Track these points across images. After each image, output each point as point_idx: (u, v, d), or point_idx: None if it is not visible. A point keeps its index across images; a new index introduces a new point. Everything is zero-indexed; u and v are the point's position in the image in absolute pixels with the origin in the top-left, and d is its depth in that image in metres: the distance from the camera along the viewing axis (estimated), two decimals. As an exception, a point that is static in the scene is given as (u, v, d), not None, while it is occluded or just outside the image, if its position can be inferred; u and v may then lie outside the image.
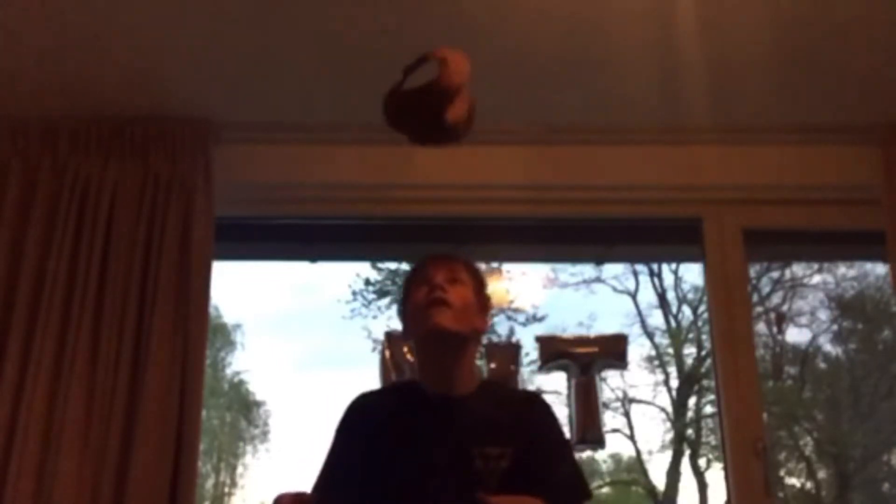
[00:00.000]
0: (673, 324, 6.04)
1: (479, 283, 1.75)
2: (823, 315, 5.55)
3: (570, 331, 4.55)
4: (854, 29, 2.26)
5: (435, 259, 1.73)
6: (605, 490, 6.13)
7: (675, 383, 5.93)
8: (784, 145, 2.69)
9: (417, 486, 1.55)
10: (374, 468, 1.60)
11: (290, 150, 2.67)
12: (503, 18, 2.23)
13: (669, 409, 5.90)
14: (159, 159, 2.53)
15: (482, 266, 3.58)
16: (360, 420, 1.70)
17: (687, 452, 5.81)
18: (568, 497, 1.61)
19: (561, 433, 1.71)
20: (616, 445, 5.86)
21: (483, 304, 1.73)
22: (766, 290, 5.46)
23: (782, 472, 5.50)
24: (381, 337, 2.84)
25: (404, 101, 1.68)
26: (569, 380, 2.82)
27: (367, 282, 5.90)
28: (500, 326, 4.98)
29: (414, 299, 1.66)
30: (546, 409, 1.74)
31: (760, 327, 5.26)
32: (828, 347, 5.69)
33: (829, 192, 2.66)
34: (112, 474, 2.22)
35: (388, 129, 2.68)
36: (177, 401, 2.30)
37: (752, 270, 4.62)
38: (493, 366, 2.75)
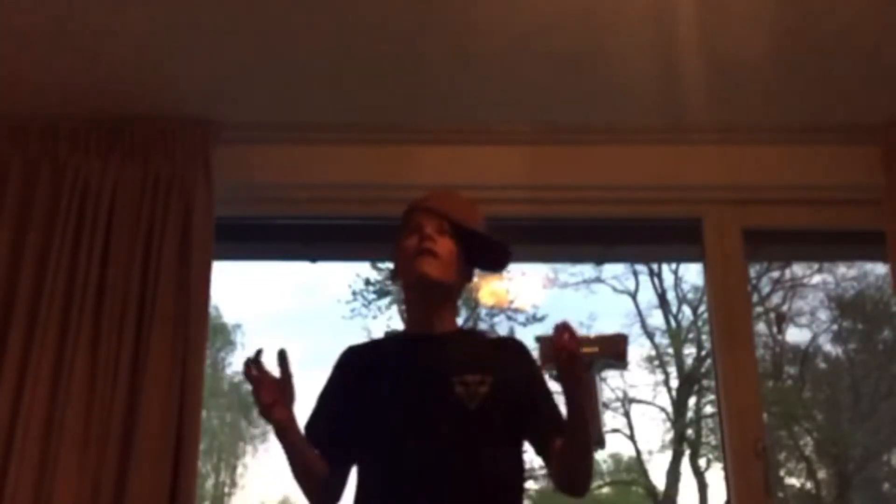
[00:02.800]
0: (673, 324, 6.04)
1: (464, 210, 1.83)
2: (823, 315, 5.55)
3: (571, 331, 4.53)
4: (854, 29, 2.26)
5: (427, 208, 1.81)
6: (605, 490, 6.13)
7: (675, 383, 5.92)
8: (784, 145, 2.69)
9: (402, 415, 1.66)
10: (362, 405, 1.71)
11: (290, 150, 2.67)
12: (503, 18, 2.23)
13: (669, 409, 5.89)
14: (159, 159, 2.53)
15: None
16: (348, 365, 1.82)
17: (687, 452, 5.81)
18: (560, 426, 1.71)
19: (540, 369, 1.79)
20: (616, 445, 5.86)
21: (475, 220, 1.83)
22: (766, 290, 5.46)
23: (782, 472, 5.49)
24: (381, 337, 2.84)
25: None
26: (569, 380, 2.81)
27: (367, 282, 5.90)
28: (500, 326, 4.98)
29: (404, 246, 1.77)
30: (523, 346, 1.85)
31: (760, 327, 5.26)
32: (828, 347, 5.68)
33: (829, 192, 2.66)
34: (112, 474, 2.22)
35: (387, 130, 2.70)
36: (177, 401, 2.30)
37: (752, 270, 4.62)
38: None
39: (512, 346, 1.87)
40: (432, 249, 1.72)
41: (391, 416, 1.68)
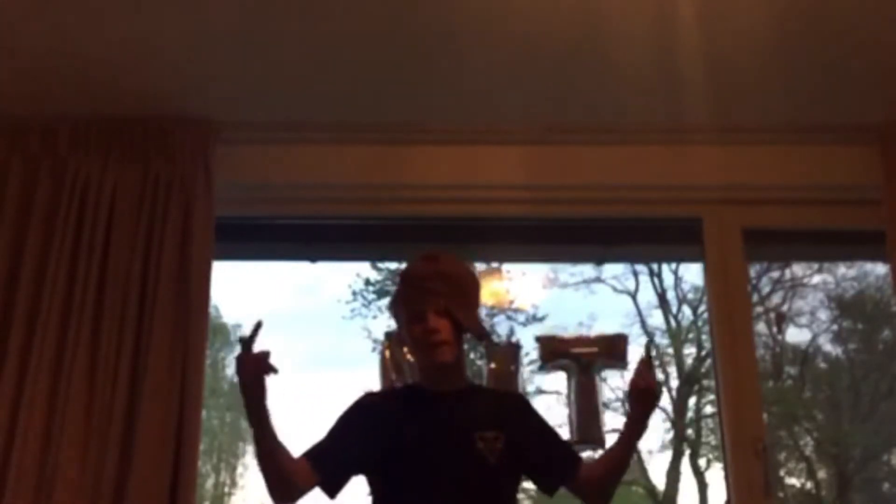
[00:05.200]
0: (673, 324, 6.03)
1: (460, 295, 1.90)
2: (823, 315, 5.54)
3: (570, 331, 4.54)
4: (854, 29, 2.26)
5: (424, 292, 1.87)
6: (605, 490, 6.13)
7: (675, 383, 5.92)
8: (784, 145, 2.69)
9: (428, 467, 1.76)
10: (384, 453, 1.78)
11: (290, 150, 2.67)
12: (503, 18, 2.23)
13: (669, 409, 5.89)
14: (159, 159, 2.53)
15: (482, 266, 3.59)
16: (368, 411, 1.89)
17: (687, 452, 5.81)
18: (577, 462, 1.93)
19: (541, 418, 1.98)
20: (616, 445, 5.85)
21: (470, 303, 1.93)
22: (766, 290, 5.46)
23: (782, 472, 5.49)
24: (381, 337, 2.84)
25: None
26: (569, 380, 2.81)
27: (367, 282, 5.90)
28: (500, 326, 4.97)
29: (413, 332, 1.87)
30: (527, 402, 2.06)
31: (760, 327, 5.25)
32: (828, 347, 5.68)
33: (829, 192, 2.66)
34: (112, 474, 2.22)
35: (387, 130, 2.70)
36: (177, 401, 2.30)
37: (752, 270, 4.61)
38: (493, 366, 2.74)
39: (515, 400, 2.10)
40: (443, 340, 1.83)
41: (417, 468, 1.77)
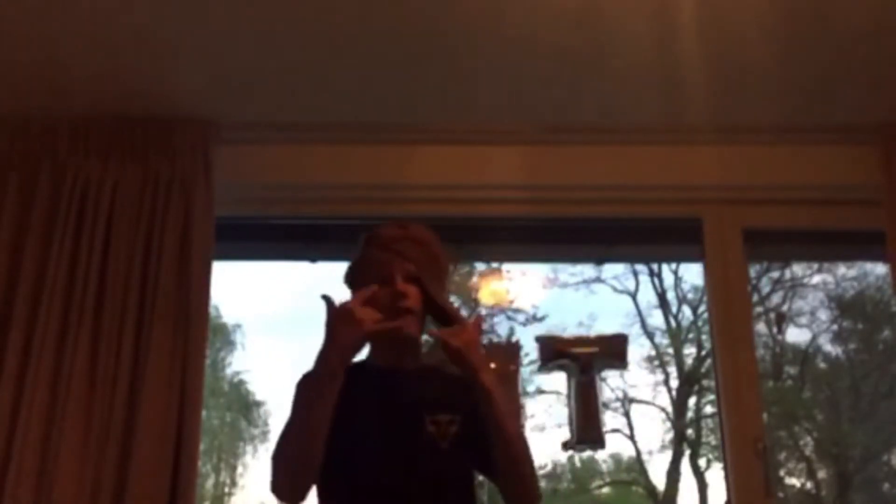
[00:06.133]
0: (673, 324, 6.04)
1: (431, 265, 1.80)
2: (823, 315, 5.55)
3: (570, 331, 4.54)
4: (854, 29, 2.26)
5: (394, 254, 1.76)
6: (605, 490, 6.13)
7: (675, 383, 5.92)
8: (784, 145, 2.69)
9: (377, 449, 1.66)
10: (335, 433, 1.62)
11: (290, 150, 2.67)
12: (503, 18, 2.23)
13: (669, 409, 5.89)
14: (159, 159, 2.53)
15: (482, 266, 3.58)
16: None
17: (687, 452, 5.81)
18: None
19: None
20: (616, 445, 5.85)
21: (440, 277, 1.82)
22: (766, 290, 5.46)
23: (782, 472, 5.50)
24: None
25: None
26: (569, 380, 2.81)
27: (367, 282, 5.88)
28: (500, 326, 4.97)
29: (376, 294, 1.70)
30: None
31: (760, 327, 5.26)
32: (828, 347, 5.68)
33: (829, 192, 2.66)
34: (112, 474, 2.22)
35: (387, 130, 2.70)
36: (177, 401, 2.30)
37: (752, 270, 4.62)
38: (493, 366, 2.74)
39: None
40: (409, 308, 1.71)
41: (366, 449, 1.66)
